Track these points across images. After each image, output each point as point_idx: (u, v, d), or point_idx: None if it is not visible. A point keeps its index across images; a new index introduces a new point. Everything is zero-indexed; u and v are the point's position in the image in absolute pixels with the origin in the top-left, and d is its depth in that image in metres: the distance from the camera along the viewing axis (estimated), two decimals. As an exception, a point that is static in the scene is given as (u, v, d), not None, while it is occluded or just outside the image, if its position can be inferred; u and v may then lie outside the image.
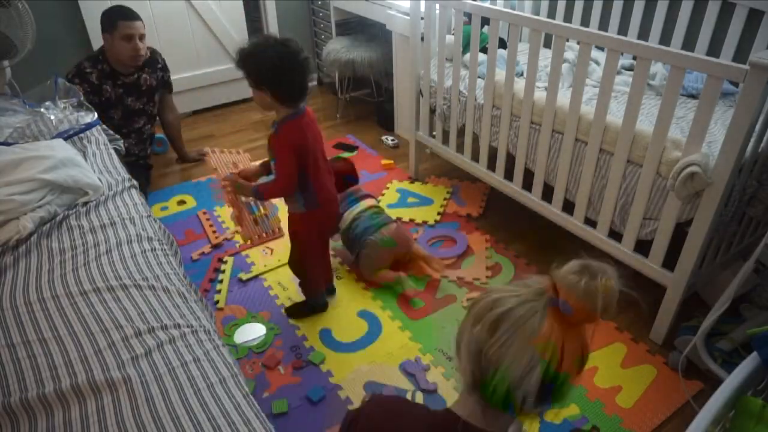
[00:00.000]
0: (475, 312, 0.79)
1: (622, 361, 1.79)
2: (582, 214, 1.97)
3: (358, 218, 2.14)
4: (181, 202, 2.72)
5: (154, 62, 2.68)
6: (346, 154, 3.13)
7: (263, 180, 1.81)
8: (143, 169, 2.78)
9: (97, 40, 3.13)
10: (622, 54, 1.77)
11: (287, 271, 2.21)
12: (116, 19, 2.44)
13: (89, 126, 2.19)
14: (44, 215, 1.66)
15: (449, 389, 1.71)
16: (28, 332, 1.30)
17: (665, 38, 2.33)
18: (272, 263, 2.27)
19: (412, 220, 2.52)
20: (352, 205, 2.19)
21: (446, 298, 2.07)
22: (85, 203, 1.77)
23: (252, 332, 1.95)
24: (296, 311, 2.02)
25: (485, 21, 2.46)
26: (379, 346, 1.87)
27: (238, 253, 2.33)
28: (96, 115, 2.27)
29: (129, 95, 2.61)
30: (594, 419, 1.60)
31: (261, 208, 1.92)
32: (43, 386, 1.16)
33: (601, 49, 2.44)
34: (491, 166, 2.33)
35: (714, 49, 2.17)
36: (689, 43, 2.25)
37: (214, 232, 2.31)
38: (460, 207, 2.59)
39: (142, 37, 2.49)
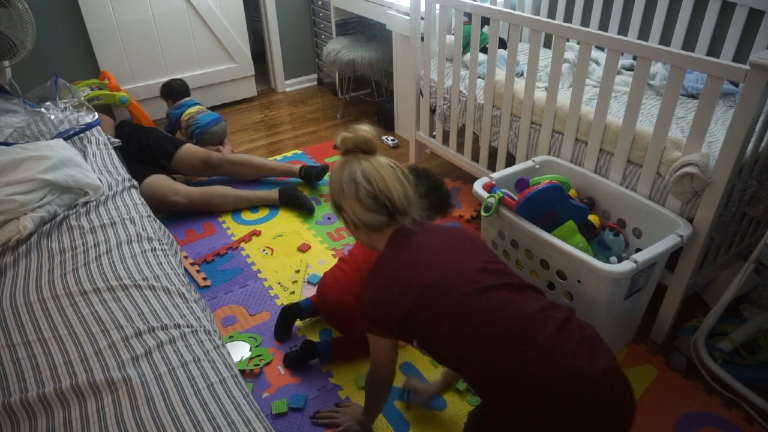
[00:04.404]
0: None
1: (623, 361, 1.79)
2: (582, 214, 1.97)
3: None
4: (181, 202, 2.72)
5: None
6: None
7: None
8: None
9: (97, 41, 3.14)
10: (622, 54, 1.77)
11: (287, 272, 2.22)
12: None
13: (89, 126, 2.20)
14: (44, 215, 1.66)
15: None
16: (28, 332, 1.30)
17: (665, 38, 2.33)
18: (273, 263, 2.27)
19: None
20: None
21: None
22: (85, 203, 1.77)
23: (236, 352, 1.83)
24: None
25: (485, 21, 2.46)
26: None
27: (232, 248, 2.34)
28: (96, 115, 2.28)
29: None
30: (594, 419, 1.60)
31: None
32: (43, 386, 1.16)
33: (601, 49, 2.44)
34: (491, 166, 2.33)
35: (714, 49, 2.17)
36: (689, 43, 2.25)
37: (204, 279, 2.20)
38: (455, 209, 2.59)
39: None
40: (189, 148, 2.73)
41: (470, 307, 1.13)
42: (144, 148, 2.66)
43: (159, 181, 2.51)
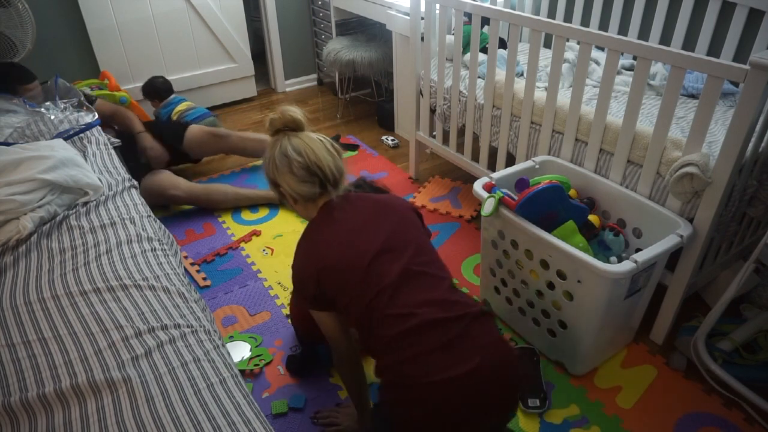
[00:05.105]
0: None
1: (623, 361, 1.79)
2: (582, 214, 1.96)
3: None
4: (181, 202, 2.72)
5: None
6: (347, 154, 3.14)
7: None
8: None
9: (97, 41, 3.14)
10: (622, 54, 1.77)
11: (287, 271, 2.22)
12: (17, 84, 2.33)
13: (89, 126, 2.19)
14: (44, 215, 1.66)
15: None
16: (28, 332, 1.30)
17: (665, 38, 2.33)
18: (273, 263, 2.27)
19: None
20: None
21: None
22: (85, 203, 1.77)
23: (236, 352, 1.84)
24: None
25: (485, 21, 2.46)
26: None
27: (232, 247, 2.34)
28: (96, 115, 2.27)
29: None
30: (594, 419, 1.60)
31: None
32: (43, 386, 1.16)
33: (601, 49, 2.44)
34: (491, 166, 2.33)
35: (714, 49, 2.17)
36: (689, 43, 2.25)
37: (204, 279, 2.20)
38: (455, 209, 2.59)
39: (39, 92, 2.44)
40: (196, 126, 2.81)
41: (357, 290, 1.22)
42: (155, 135, 2.72)
43: (160, 175, 2.56)
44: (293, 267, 1.35)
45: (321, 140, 1.33)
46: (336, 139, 3.15)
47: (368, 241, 1.26)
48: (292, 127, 1.32)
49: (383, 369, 1.18)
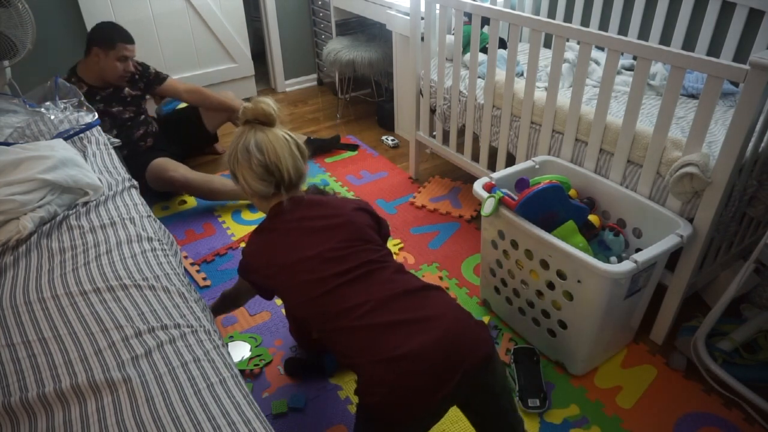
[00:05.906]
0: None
1: (623, 361, 1.79)
2: (582, 214, 1.96)
3: None
4: (182, 202, 2.73)
5: (133, 77, 2.67)
6: (347, 154, 3.14)
7: None
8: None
9: (97, 40, 3.14)
10: (622, 54, 1.77)
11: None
12: (117, 40, 2.49)
13: (89, 126, 2.19)
14: (44, 215, 1.66)
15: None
16: (28, 332, 1.30)
17: (665, 38, 2.33)
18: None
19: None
20: None
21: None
22: (85, 203, 1.77)
23: (236, 352, 1.84)
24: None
25: (485, 21, 2.46)
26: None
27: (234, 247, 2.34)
28: (96, 115, 2.27)
29: (112, 105, 2.61)
30: (594, 419, 1.60)
31: None
32: (43, 386, 1.16)
33: (601, 49, 2.44)
34: (491, 166, 2.33)
35: (714, 49, 2.17)
36: (689, 43, 2.25)
37: (204, 279, 2.21)
38: (455, 209, 2.59)
39: (132, 58, 2.58)
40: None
41: (305, 293, 1.25)
42: (179, 118, 2.96)
43: (166, 159, 2.61)
44: (244, 251, 1.39)
45: (287, 139, 1.32)
46: (336, 139, 3.15)
47: (318, 244, 1.27)
48: (263, 120, 1.31)
49: (354, 353, 1.17)
